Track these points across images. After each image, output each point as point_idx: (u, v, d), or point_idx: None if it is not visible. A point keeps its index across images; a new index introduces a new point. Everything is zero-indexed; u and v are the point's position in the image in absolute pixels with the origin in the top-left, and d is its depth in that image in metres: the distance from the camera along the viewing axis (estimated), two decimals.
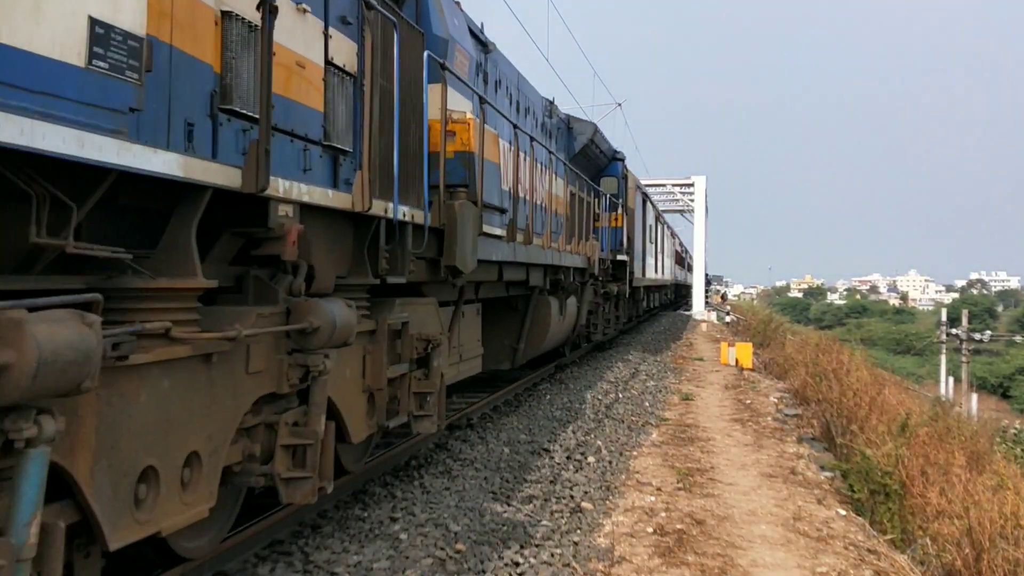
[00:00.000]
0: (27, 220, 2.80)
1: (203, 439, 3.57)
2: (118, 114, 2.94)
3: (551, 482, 7.38)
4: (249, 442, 4.08)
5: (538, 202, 10.82)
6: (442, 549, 5.32)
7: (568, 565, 5.35)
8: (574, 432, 9.70)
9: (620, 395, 13.02)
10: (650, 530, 6.31)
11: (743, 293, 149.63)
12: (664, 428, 10.81)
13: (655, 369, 17.29)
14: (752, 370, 18.17)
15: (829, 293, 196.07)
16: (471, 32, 8.30)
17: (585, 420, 10.55)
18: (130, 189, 3.36)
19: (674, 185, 46.70)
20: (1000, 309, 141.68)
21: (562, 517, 6.37)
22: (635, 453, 9.10)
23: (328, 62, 4.69)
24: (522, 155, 9.66)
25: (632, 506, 6.94)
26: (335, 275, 4.92)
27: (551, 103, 13.39)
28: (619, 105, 32.52)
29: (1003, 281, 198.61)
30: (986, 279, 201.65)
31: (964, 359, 41.27)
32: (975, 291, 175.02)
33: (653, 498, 7.23)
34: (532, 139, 10.10)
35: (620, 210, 18.92)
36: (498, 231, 8.15)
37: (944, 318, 44.24)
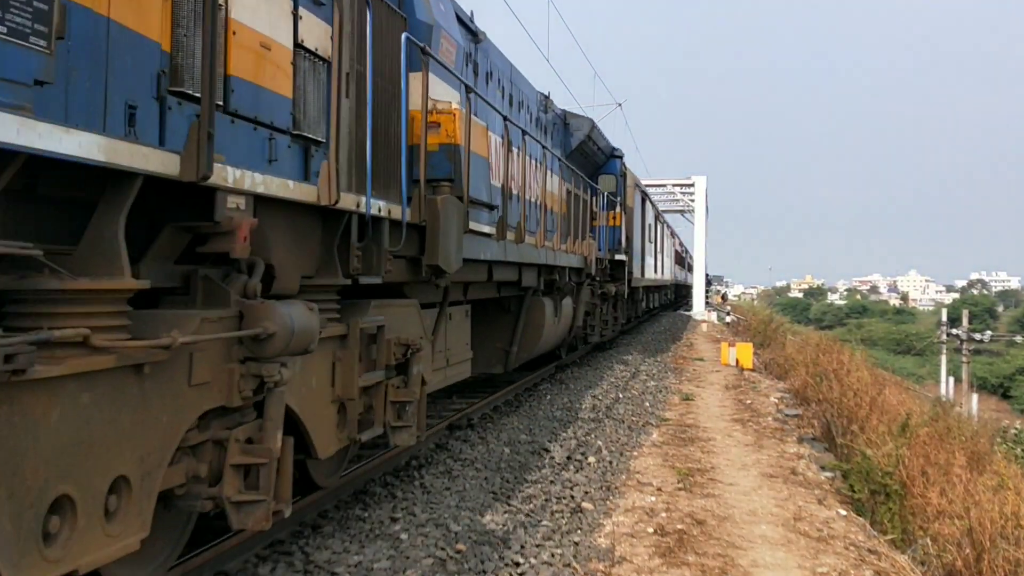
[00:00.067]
0: None
1: (133, 461, 3.14)
2: (18, 86, 2.56)
3: (551, 482, 7.38)
4: (194, 462, 3.68)
5: (531, 199, 10.46)
6: (443, 549, 5.32)
7: (569, 565, 5.35)
8: (574, 432, 9.70)
9: (620, 395, 13.02)
10: (650, 530, 6.31)
11: (743, 293, 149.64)
12: (664, 428, 10.81)
13: (655, 369, 17.29)
14: (752, 370, 18.16)
15: (829, 293, 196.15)
16: (459, 20, 7.93)
17: (585, 420, 10.55)
18: (54, 177, 3.03)
19: (674, 185, 46.70)
20: (1000, 309, 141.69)
21: (562, 517, 6.37)
22: (635, 453, 9.10)
23: (298, 45, 4.34)
24: (514, 149, 9.33)
25: (632, 506, 6.94)
26: (300, 275, 4.56)
27: (546, 97, 13.01)
28: (619, 105, 32.50)
29: (1003, 281, 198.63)
30: (986, 279, 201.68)
31: (964, 359, 41.28)
32: (975, 291, 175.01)
33: (654, 498, 7.23)
34: (524, 132, 9.72)
35: (618, 209, 18.52)
36: (487, 229, 7.75)
37: (944, 318, 44.24)
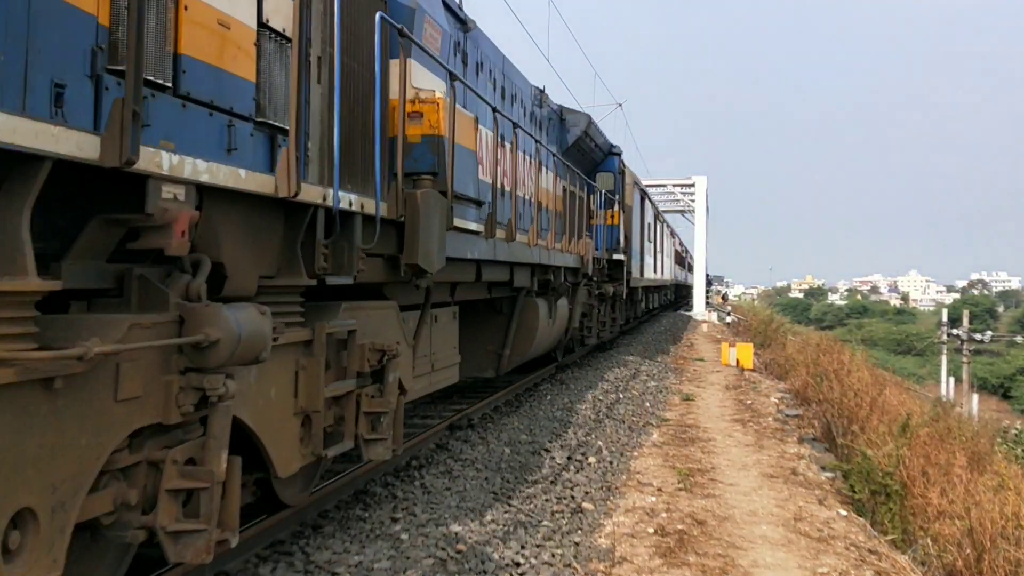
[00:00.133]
0: None
1: (41, 490, 2.75)
2: None
3: (552, 482, 7.38)
4: (124, 486, 3.23)
5: (524, 196, 10.02)
6: (443, 549, 5.32)
7: (569, 565, 5.35)
8: (575, 432, 9.70)
9: (621, 395, 13.02)
10: (651, 530, 6.31)
11: (744, 293, 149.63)
12: (665, 428, 10.81)
13: (656, 369, 17.29)
14: (753, 371, 18.16)
15: (830, 293, 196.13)
16: (446, 6, 7.53)
17: (586, 420, 10.55)
18: None
19: (675, 185, 46.71)
20: (1001, 309, 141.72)
21: (563, 517, 6.37)
22: (636, 453, 9.10)
23: (263, 24, 3.98)
24: (506, 144, 8.95)
25: (633, 506, 6.94)
26: (258, 275, 4.14)
27: (541, 92, 12.56)
28: (619, 105, 32.52)
29: (1004, 281, 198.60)
30: (987, 279, 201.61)
31: (965, 359, 41.29)
32: (976, 291, 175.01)
33: (654, 498, 7.23)
34: (516, 126, 9.23)
35: (616, 207, 18.07)
36: (474, 226, 7.29)
37: (945, 318, 44.25)
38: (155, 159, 3.11)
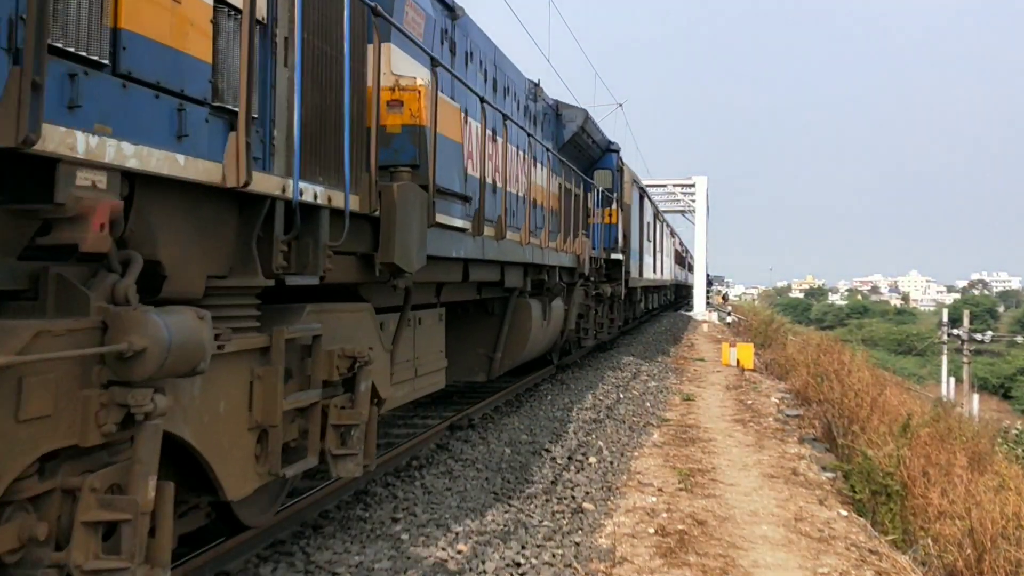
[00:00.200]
0: None
1: None
2: None
3: (552, 483, 7.38)
4: (32, 519, 2.83)
5: (516, 192, 9.58)
6: (444, 550, 5.32)
7: (570, 566, 5.35)
8: (575, 432, 9.70)
9: (621, 395, 13.02)
10: (651, 531, 6.31)
11: (744, 294, 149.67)
12: (665, 429, 10.81)
13: (656, 369, 17.29)
14: (753, 371, 18.17)
15: (830, 294, 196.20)
16: None
17: (586, 420, 10.55)
18: None
19: (675, 185, 46.73)
20: (1001, 310, 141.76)
21: (563, 518, 6.37)
22: (636, 454, 9.10)
23: (220, 0, 3.65)
24: (498, 139, 8.55)
25: (633, 507, 6.94)
26: (206, 274, 3.72)
27: (536, 85, 12.11)
28: (620, 105, 32.54)
29: (1004, 282, 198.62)
30: (987, 279, 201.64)
31: (965, 360, 41.28)
32: (976, 292, 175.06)
33: (654, 499, 7.23)
34: (506, 118, 8.70)
35: (614, 205, 17.57)
36: (459, 222, 6.88)
37: (945, 318, 44.24)
38: (67, 140, 2.71)
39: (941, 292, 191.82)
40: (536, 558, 5.39)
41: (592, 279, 15.56)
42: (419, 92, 5.87)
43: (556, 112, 14.13)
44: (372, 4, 5.01)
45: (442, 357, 7.52)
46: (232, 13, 3.69)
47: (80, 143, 2.76)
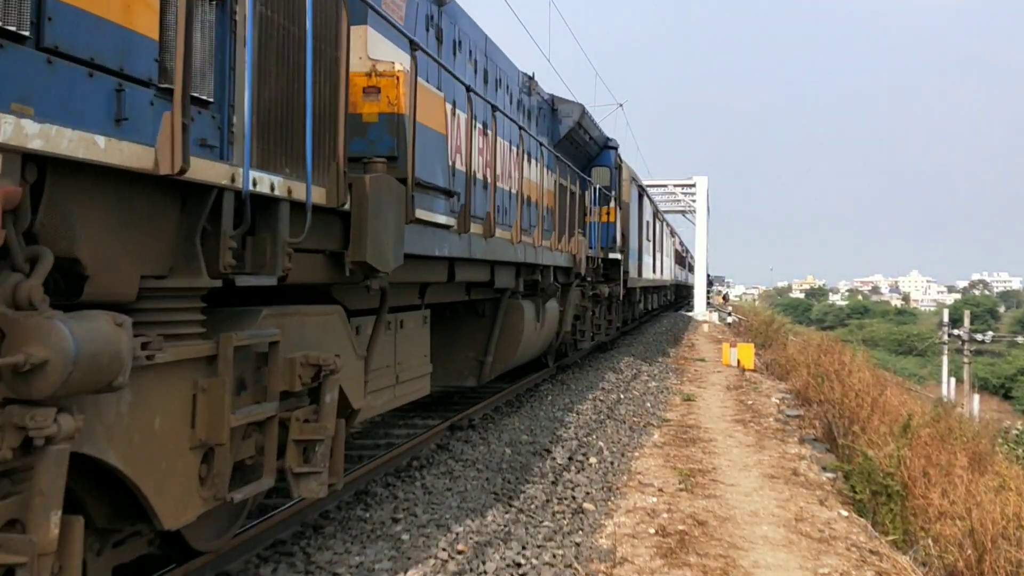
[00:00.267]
0: None
1: None
2: None
3: (553, 483, 7.39)
4: None
5: (507, 188, 9.18)
6: (444, 550, 5.32)
7: (570, 566, 5.35)
8: (576, 433, 9.70)
9: (622, 396, 13.03)
10: (652, 531, 6.31)
11: (745, 294, 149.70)
12: (666, 429, 10.81)
13: (657, 370, 17.29)
14: (754, 371, 18.17)
15: (831, 294, 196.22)
16: None
17: (587, 421, 10.55)
18: None
19: (676, 185, 46.74)
20: (1002, 310, 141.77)
21: (564, 518, 6.37)
22: (637, 454, 9.10)
23: None
24: (488, 132, 8.18)
25: (634, 507, 6.94)
26: (139, 274, 3.29)
27: (531, 78, 11.70)
28: (620, 106, 32.50)
29: (1005, 282, 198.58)
30: (988, 280, 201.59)
31: (966, 360, 41.30)
32: (977, 292, 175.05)
33: (655, 499, 7.23)
34: (496, 109, 8.24)
35: (613, 203, 17.14)
36: (443, 219, 6.46)
37: (946, 319, 44.27)
38: None
39: (942, 292, 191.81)
40: (536, 558, 5.39)
41: (589, 279, 15.21)
42: (397, 78, 5.49)
43: (552, 107, 13.75)
44: None
45: (427, 362, 7.17)
46: None
47: None
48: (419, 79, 5.72)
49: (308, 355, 4.31)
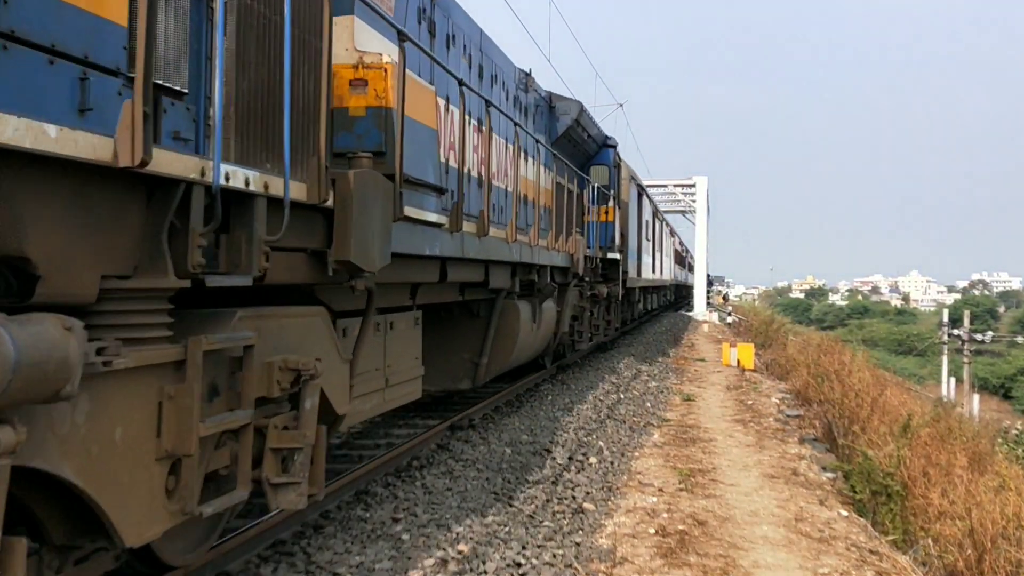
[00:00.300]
0: None
1: None
2: None
3: (553, 483, 7.39)
4: None
5: (502, 186, 8.98)
6: (444, 550, 5.32)
7: (570, 566, 5.35)
8: (576, 433, 9.70)
9: (622, 396, 13.03)
10: (652, 531, 6.32)
11: (745, 294, 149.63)
12: (666, 429, 10.81)
13: (657, 370, 17.30)
14: (754, 371, 18.17)
15: (831, 294, 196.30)
16: None
17: (587, 421, 10.56)
18: None
19: (676, 186, 46.76)
20: (1002, 310, 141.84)
21: (564, 518, 6.38)
22: (637, 454, 9.11)
23: None
24: (483, 128, 8.04)
25: (634, 507, 6.95)
26: (100, 274, 3.10)
27: (527, 75, 11.56)
28: (620, 106, 32.53)
29: (1005, 282, 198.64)
30: (988, 280, 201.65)
31: (966, 360, 41.31)
32: (977, 292, 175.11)
33: (655, 499, 7.24)
34: (489, 104, 8.07)
35: (611, 203, 16.95)
36: (433, 217, 6.28)
37: (946, 319, 44.27)
38: None
39: (941, 292, 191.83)
40: (537, 558, 5.39)
41: (587, 279, 15.04)
42: (385, 70, 5.25)
43: (549, 104, 13.59)
44: None
45: (418, 364, 6.97)
46: None
47: None
48: (409, 72, 5.57)
49: (287, 359, 4.13)
